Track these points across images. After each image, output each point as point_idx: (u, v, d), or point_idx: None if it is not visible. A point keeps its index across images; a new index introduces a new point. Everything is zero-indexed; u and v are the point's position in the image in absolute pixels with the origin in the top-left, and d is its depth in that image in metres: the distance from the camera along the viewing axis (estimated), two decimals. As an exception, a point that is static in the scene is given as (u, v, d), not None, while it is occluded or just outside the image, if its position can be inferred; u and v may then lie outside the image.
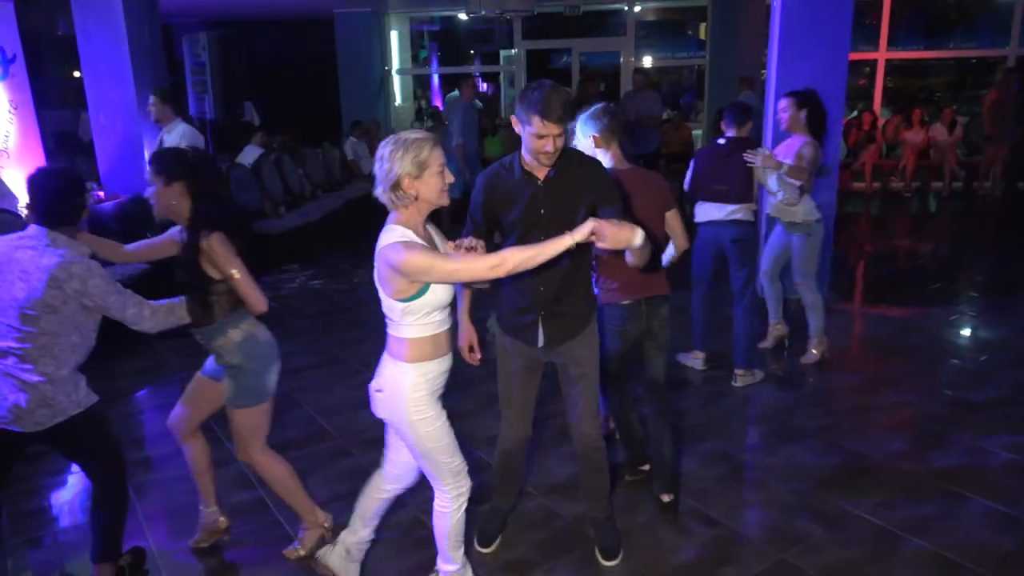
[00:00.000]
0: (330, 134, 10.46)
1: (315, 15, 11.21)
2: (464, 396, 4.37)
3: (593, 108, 3.27)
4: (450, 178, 2.33)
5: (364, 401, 4.37)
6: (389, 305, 2.36)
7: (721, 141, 4.47)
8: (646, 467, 3.49)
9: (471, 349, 2.86)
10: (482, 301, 2.91)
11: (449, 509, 2.53)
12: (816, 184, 5.65)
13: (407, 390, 2.38)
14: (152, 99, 5.65)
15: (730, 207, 4.36)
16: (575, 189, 2.59)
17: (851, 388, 4.70)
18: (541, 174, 2.60)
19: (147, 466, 3.97)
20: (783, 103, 4.57)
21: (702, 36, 13.63)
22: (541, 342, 2.72)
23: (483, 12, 8.36)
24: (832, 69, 5.53)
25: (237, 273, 2.68)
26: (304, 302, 6.52)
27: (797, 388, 4.59)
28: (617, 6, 11.34)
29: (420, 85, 14.42)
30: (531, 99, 2.42)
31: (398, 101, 12.71)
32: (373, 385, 2.49)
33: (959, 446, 3.80)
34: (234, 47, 6.52)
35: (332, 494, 3.50)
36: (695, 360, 4.83)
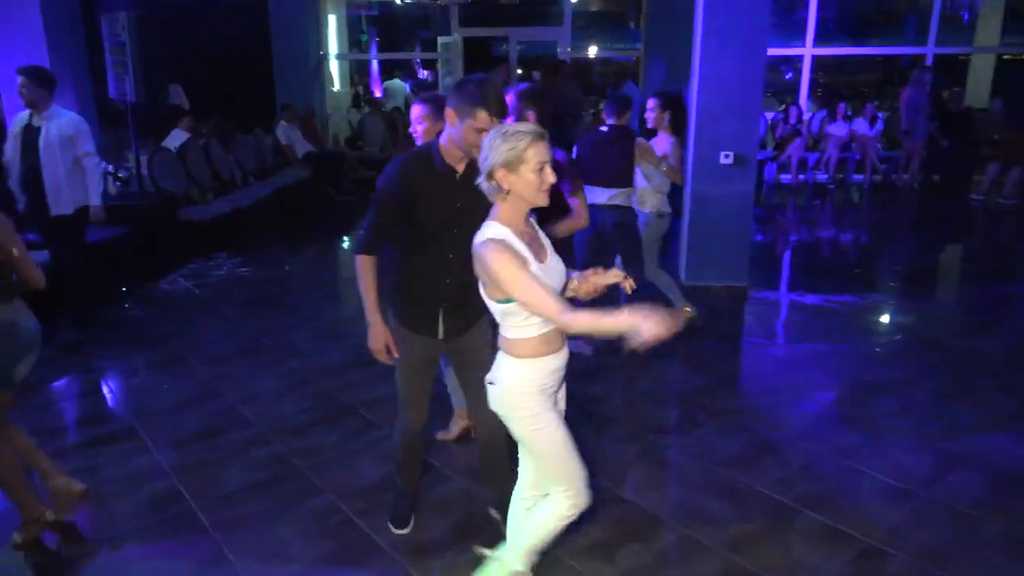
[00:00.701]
0: (264, 119, 10.27)
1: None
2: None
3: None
4: (552, 178, 2.17)
5: (287, 389, 4.46)
6: (487, 302, 2.28)
7: (603, 128, 4.75)
8: None
9: (387, 350, 2.78)
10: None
11: (556, 511, 2.35)
12: (734, 176, 5.87)
13: (514, 385, 2.29)
14: (21, 80, 4.76)
15: (611, 191, 4.63)
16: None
17: (762, 371, 4.90)
18: (460, 167, 2.58)
19: None
20: (650, 103, 4.92)
21: (638, 27, 13.83)
22: (441, 334, 2.75)
23: (419, -1, 8.32)
24: (751, 63, 5.70)
25: (16, 251, 2.76)
26: (231, 290, 6.42)
27: (709, 371, 4.74)
28: (555, -5, 11.43)
29: (358, 71, 14.25)
30: (474, 93, 2.39)
31: (335, 87, 12.54)
32: (487, 377, 2.38)
33: (860, 425, 4.00)
34: (156, 27, 6.35)
35: (248, 482, 3.49)
36: (584, 347, 4.77)
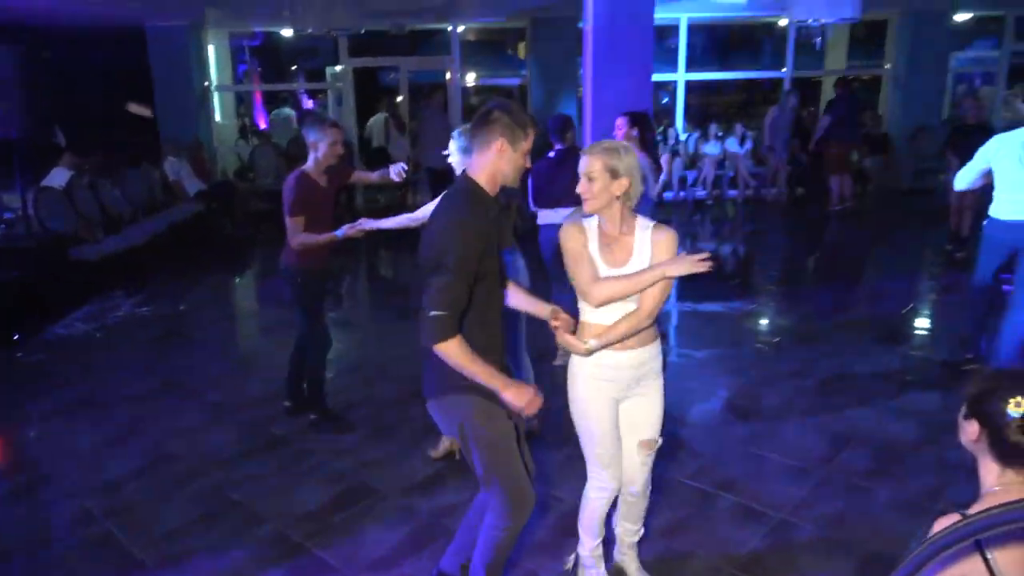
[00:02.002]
0: (148, 153, 9.94)
1: (126, 28, 10.59)
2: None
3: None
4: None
5: (213, 422, 4.42)
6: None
7: (551, 154, 4.94)
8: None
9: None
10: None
11: (586, 494, 2.79)
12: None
13: (573, 367, 2.63)
14: None
15: (567, 209, 4.82)
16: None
17: (667, 374, 5.26)
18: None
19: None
20: (619, 121, 5.14)
21: (522, 56, 14.34)
22: None
23: (309, 30, 8.36)
24: (639, 89, 6.15)
25: None
26: (133, 329, 6.23)
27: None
28: (442, 26, 11.68)
29: (242, 102, 14.00)
30: (520, 117, 2.36)
31: (219, 118, 12.27)
32: None
33: (759, 415, 4.41)
34: (41, 61, 6.12)
35: (188, 517, 3.47)
36: None
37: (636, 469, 2.82)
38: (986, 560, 1.48)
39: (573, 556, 3.02)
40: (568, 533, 3.15)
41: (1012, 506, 1.18)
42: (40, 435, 4.41)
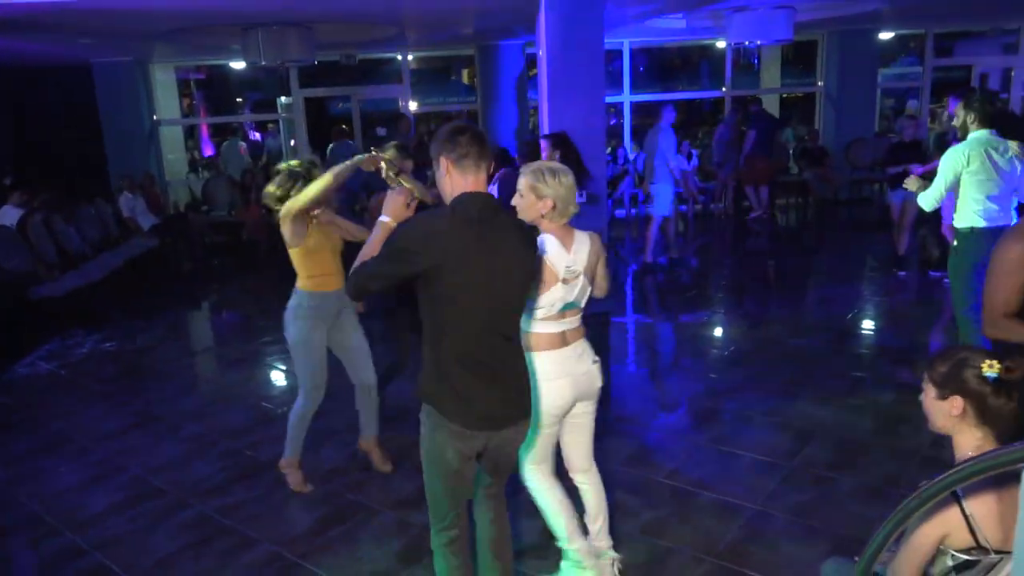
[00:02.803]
0: (99, 189, 9.83)
1: (73, 65, 10.49)
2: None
3: None
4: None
5: (195, 453, 4.45)
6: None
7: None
8: None
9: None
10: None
11: None
12: (590, 213, 6.49)
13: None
14: None
15: None
16: None
17: (636, 382, 5.49)
18: None
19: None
20: (543, 143, 5.40)
21: (466, 81, 14.60)
22: None
23: (263, 62, 8.42)
24: (593, 112, 6.41)
25: None
26: (99, 366, 6.16)
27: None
28: (391, 55, 11.86)
29: (192, 135, 13.91)
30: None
31: (168, 152, 12.18)
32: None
33: (726, 416, 4.63)
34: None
35: (178, 545, 3.51)
36: None
37: None
38: (962, 509, 1.69)
39: None
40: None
41: (982, 457, 1.38)
42: (16, 478, 4.35)
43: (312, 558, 3.33)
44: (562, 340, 2.75)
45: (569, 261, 2.69)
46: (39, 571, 3.39)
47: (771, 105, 14.04)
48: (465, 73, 15.00)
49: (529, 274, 2.43)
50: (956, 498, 1.72)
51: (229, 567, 3.31)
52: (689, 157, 11.95)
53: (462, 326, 2.26)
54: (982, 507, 1.72)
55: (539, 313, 2.69)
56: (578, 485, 3.07)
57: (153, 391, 5.59)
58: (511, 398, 2.38)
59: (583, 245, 2.74)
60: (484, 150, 2.28)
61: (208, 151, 14.38)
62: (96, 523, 3.73)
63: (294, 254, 3.66)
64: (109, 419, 5.05)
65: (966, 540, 1.77)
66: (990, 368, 1.78)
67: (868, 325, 6.46)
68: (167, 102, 12.00)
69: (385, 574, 3.24)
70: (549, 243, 2.67)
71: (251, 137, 15.80)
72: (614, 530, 3.43)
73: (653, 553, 3.28)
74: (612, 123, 12.80)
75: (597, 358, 2.90)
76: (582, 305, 2.80)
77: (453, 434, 2.30)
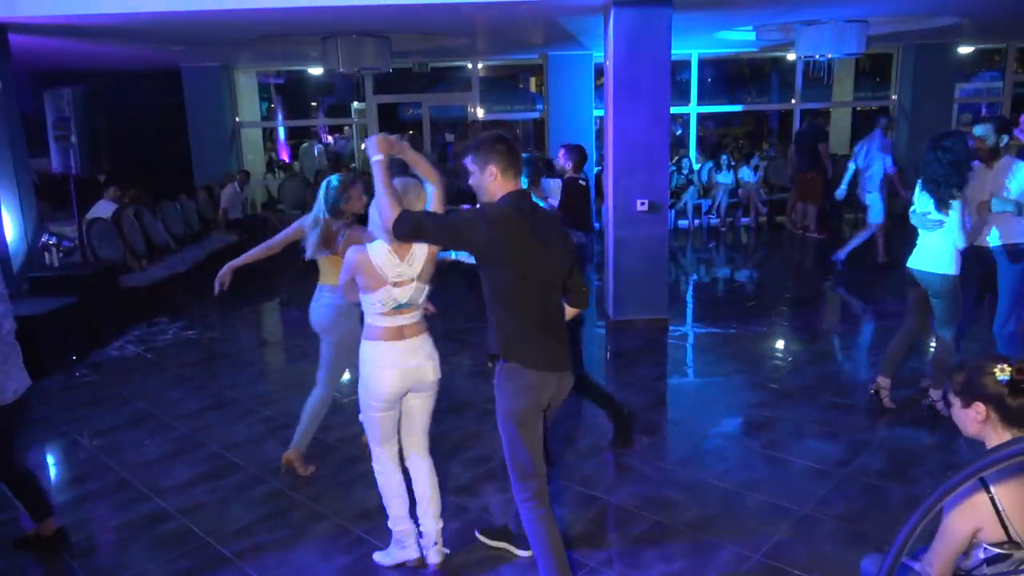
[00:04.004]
0: (182, 186, 10.41)
1: (163, 68, 11.15)
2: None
3: None
4: None
5: (267, 435, 4.75)
6: None
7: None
8: None
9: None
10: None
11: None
12: (649, 221, 6.61)
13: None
14: None
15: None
16: None
17: (692, 388, 5.58)
18: None
19: None
20: (561, 152, 5.55)
21: (533, 89, 14.83)
22: None
23: (341, 70, 8.80)
24: (657, 122, 6.52)
25: None
26: (181, 351, 6.57)
27: (646, 392, 5.35)
28: (461, 63, 12.18)
29: (269, 137, 14.53)
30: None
31: (249, 154, 12.77)
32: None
33: (780, 423, 4.69)
34: (97, 101, 6.55)
35: (255, 516, 3.78)
36: None
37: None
38: (993, 502, 1.79)
39: None
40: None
41: (1007, 444, 1.48)
42: (107, 447, 4.72)
43: (376, 533, 3.55)
44: (399, 334, 3.02)
45: (401, 268, 2.96)
46: (129, 530, 3.70)
47: (843, 118, 13.87)
48: (532, 81, 15.25)
49: (569, 256, 2.86)
50: (987, 491, 1.81)
51: (301, 537, 3.55)
52: (756, 169, 11.92)
53: (531, 298, 2.75)
54: (1013, 501, 1.80)
55: (376, 308, 2.98)
56: (410, 471, 3.28)
57: (229, 377, 5.94)
58: (564, 350, 2.87)
59: (418, 256, 2.99)
60: (520, 159, 2.81)
61: (284, 153, 15.00)
62: (179, 492, 4.04)
63: (329, 260, 3.97)
64: (188, 400, 5.40)
65: (998, 534, 1.85)
66: (1002, 372, 1.88)
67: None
68: (248, 105, 12.60)
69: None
70: (378, 250, 2.94)
71: (324, 140, 16.40)
72: (662, 523, 3.57)
73: (697, 547, 3.38)
74: (678, 133, 12.83)
75: (435, 354, 3.13)
76: (419, 304, 3.07)
77: (533, 381, 2.75)
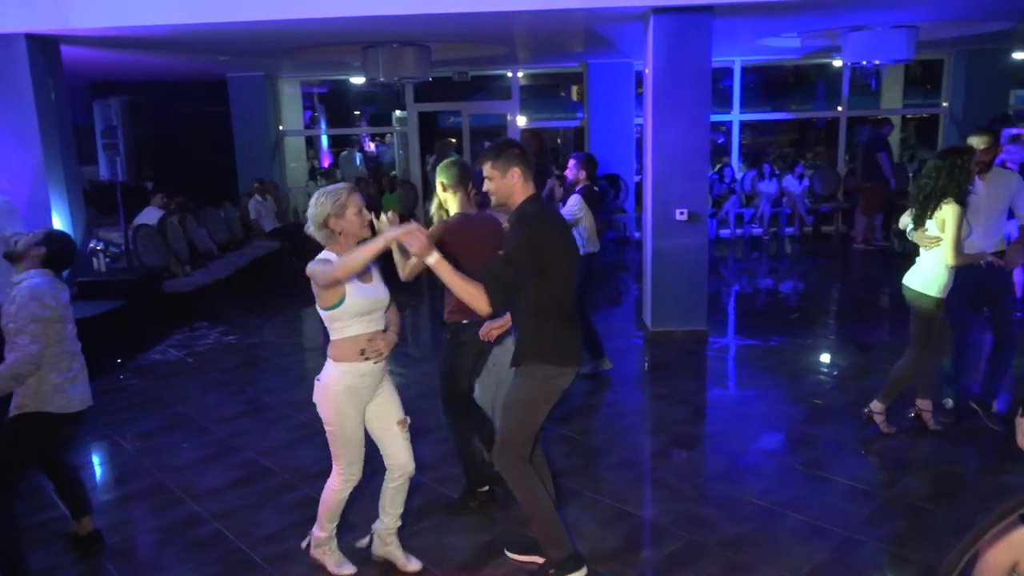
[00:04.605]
0: (226, 194, 10.60)
1: (209, 78, 11.40)
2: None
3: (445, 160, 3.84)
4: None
5: (300, 441, 4.77)
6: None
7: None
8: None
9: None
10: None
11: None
12: (688, 231, 6.50)
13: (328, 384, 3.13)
14: None
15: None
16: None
17: (730, 402, 5.45)
18: None
19: None
20: (571, 162, 5.50)
21: (576, 98, 14.76)
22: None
23: (381, 79, 8.88)
24: (696, 130, 6.42)
25: None
26: (221, 357, 6.66)
27: (683, 405, 5.25)
28: (502, 71, 12.20)
29: (311, 145, 14.74)
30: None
31: (291, 162, 12.96)
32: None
33: (821, 440, 4.55)
34: (143, 111, 6.72)
35: (286, 522, 3.79)
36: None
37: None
38: None
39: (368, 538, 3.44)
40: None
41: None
42: (146, 450, 4.80)
43: (406, 543, 3.52)
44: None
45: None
46: (163, 533, 3.75)
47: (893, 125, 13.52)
48: (574, 90, 15.19)
49: (577, 255, 3.11)
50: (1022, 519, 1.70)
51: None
52: (801, 178, 11.70)
53: (565, 295, 2.97)
54: None
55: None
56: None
57: (265, 382, 6.00)
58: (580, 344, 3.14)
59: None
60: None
61: (326, 161, 15.18)
62: (213, 496, 4.08)
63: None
64: (225, 405, 5.47)
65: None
66: None
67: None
68: (291, 114, 12.80)
69: (471, 562, 3.40)
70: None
71: (366, 148, 16.58)
72: (696, 542, 3.48)
73: (731, 568, 3.28)
74: (719, 142, 12.65)
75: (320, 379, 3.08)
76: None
77: (561, 377, 2.99)
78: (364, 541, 3.45)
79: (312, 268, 2.88)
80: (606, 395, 5.40)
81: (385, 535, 3.34)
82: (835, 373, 5.92)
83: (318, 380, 3.06)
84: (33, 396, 3.19)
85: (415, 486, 3.57)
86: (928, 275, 4.21)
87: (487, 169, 2.91)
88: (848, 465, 4.22)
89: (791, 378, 5.70)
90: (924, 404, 4.60)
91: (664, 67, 6.32)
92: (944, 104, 11.94)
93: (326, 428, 3.10)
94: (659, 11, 6.23)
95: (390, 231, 2.81)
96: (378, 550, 3.38)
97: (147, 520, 3.92)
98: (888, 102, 12.99)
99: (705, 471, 4.25)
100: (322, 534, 3.29)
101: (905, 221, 4.45)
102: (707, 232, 6.63)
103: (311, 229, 2.95)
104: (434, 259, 2.77)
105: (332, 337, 3.02)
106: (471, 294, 2.80)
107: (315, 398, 3.09)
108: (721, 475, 4.18)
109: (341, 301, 2.92)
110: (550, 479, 3.30)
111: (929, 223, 4.14)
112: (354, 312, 2.96)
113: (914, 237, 4.29)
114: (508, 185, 2.90)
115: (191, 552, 3.56)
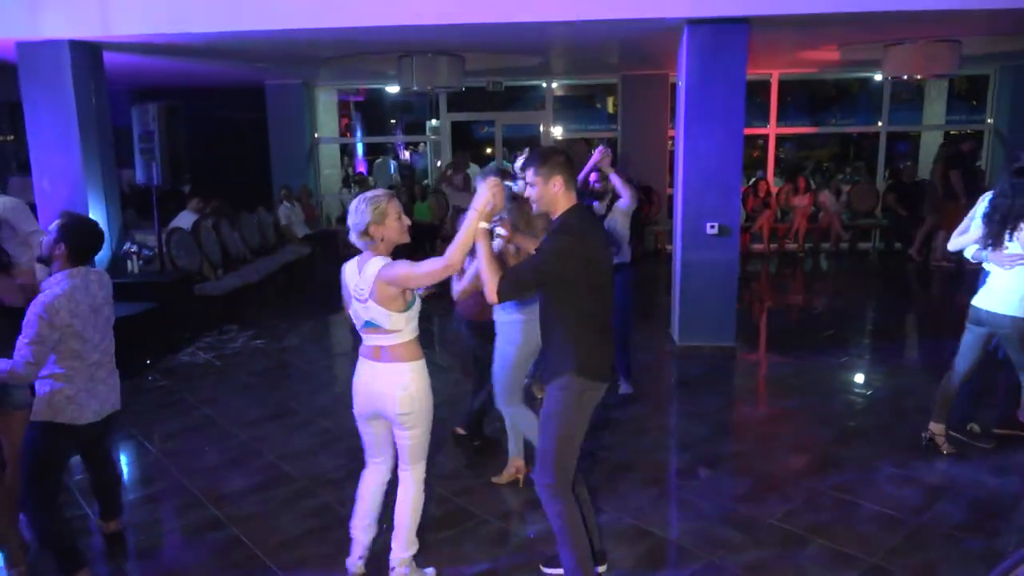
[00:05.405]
0: (261, 199, 10.74)
1: (246, 85, 11.59)
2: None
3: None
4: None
5: (321, 447, 4.77)
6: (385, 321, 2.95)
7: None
8: None
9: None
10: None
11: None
12: (719, 245, 6.41)
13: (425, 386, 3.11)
14: None
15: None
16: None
17: (758, 420, 5.33)
18: None
19: None
20: (592, 176, 5.37)
21: (611, 110, 14.71)
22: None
23: (414, 88, 8.93)
24: (730, 143, 6.33)
25: None
26: (248, 360, 6.72)
27: (709, 422, 5.15)
28: (536, 82, 12.21)
29: (346, 152, 14.90)
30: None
31: (326, 168, 13.11)
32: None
33: (850, 464, 4.42)
34: (180, 116, 6.84)
35: (302, 529, 3.79)
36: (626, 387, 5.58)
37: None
38: None
39: None
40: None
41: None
42: (171, 451, 4.85)
43: (423, 555, 3.49)
44: (373, 353, 3.01)
45: (358, 282, 2.94)
46: (181, 536, 3.77)
47: (936, 141, 13.23)
48: (609, 101, 15.14)
49: (611, 269, 3.10)
50: None
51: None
52: (838, 195, 11.50)
53: (605, 308, 2.95)
54: None
55: (356, 325, 3.04)
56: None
57: (291, 387, 6.04)
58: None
59: (369, 272, 2.90)
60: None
61: (362, 167, 15.34)
62: (233, 500, 4.09)
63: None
64: (250, 409, 5.50)
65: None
66: None
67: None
68: (327, 121, 12.95)
69: (489, 574, 3.35)
70: (351, 264, 3.02)
71: (400, 156, 16.72)
72: (716, 564, 3.40)
73: (754, 593, 3.20)
74: (754, 155, 12.49)
75: (410, 387, 2.99)
76: (386, 328, 2.95)
77: (594, 392, 2.94)
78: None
79: (411, 271, 2.82)
80: (630, 410, 5.32)
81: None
82: (868, 393, 5.77)
83: (404, 388, 2.97)
84: (46, 406, 3.11)
85: (434, 497, 3.54)
86: (1013, 295, 4.08)
87: (529, 175, 2.88)
88: (878, 489, 4.09)
89: (822, 397, 5.57)
90: (938, 428, 4.49)
91: (698, 79, 6.25)
92: (989, 120, 11.65)
93: (418, 434, 3.08)
94: (694, 22, 6.17)
95: (478, 201, 2.79)
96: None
97: (166, 522, 3.95)
98: (930, 117, 12.72)
99: (729, 491, 4.14)
100: (407, 553, 3.24)
101: (961, 242, 4.30)
102: (737, 246, 6.53)
103: (353, 237, 2.92)
104: (485, 229, 2.82)
105: (405, 339, 2.98)
106: (489, 277, 2.78)
107: (409, 407, 2.99)
108: (745, 496, 4.08)
109: (414, 299, 2.96)
110: (588, 502, 3.24)
111: (1008, 242, 4.03)
112: (418, 309, 3.01)
113: (989, 257, 4.15)
114: (550, 193, 2.86)
115: (207, 556, 3.57)
